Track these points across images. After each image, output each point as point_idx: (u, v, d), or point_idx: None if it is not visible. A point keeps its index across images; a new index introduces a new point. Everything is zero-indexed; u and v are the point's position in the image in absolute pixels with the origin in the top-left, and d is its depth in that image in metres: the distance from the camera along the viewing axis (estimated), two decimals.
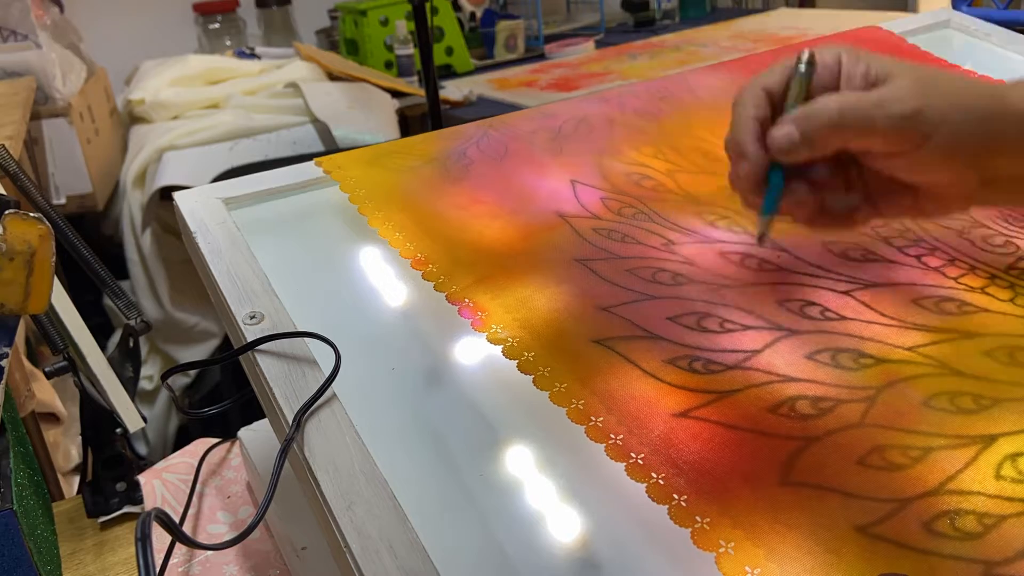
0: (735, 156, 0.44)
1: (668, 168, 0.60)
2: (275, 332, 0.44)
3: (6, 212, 0.44)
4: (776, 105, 0.44)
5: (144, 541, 0.26)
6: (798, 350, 0.44)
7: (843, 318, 0.46)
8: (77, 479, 1.15)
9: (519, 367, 0.43)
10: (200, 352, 1.74)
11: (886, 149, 0.42)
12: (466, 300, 0.48)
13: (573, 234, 0.53)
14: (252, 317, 0.46)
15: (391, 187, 0.57)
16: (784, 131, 0.42)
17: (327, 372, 0.42)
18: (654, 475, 0.37)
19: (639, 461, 0.38)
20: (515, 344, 0.45)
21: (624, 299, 0.47)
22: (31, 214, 0.44)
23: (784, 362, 0.43)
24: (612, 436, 0.39)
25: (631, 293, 0.48)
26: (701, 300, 0.47)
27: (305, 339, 0.44)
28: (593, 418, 0.40)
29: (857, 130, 0.42)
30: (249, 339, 0.44)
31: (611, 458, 0.38)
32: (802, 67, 0.44)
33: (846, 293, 0.48)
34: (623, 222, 0.54)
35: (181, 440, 1.74)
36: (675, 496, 0.36)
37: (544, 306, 0.47)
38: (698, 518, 0.35)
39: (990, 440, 0.40)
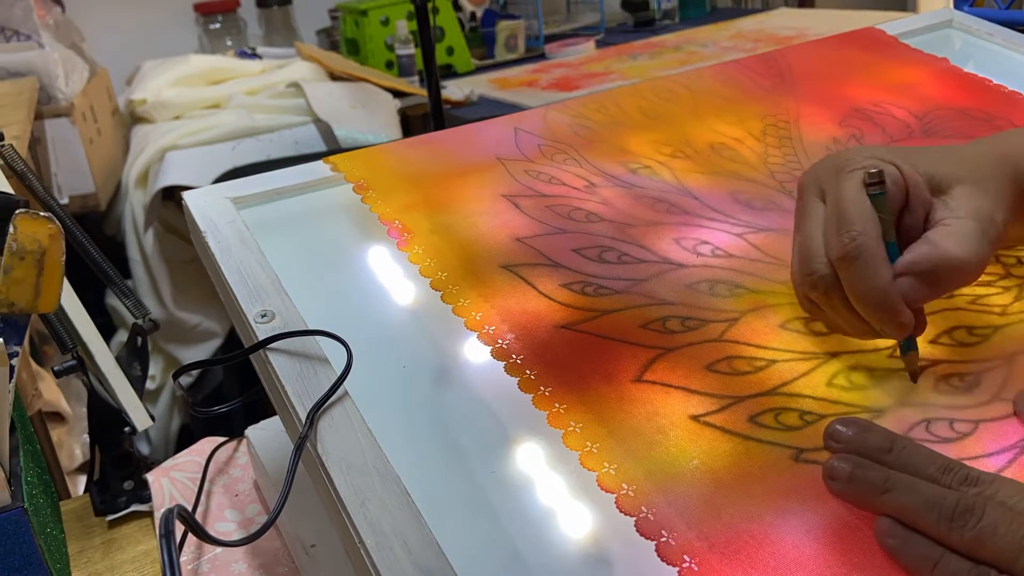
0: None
1: (607, 121, 0.65)
2: (286, 330, 0.44)
3: (17, 211, 0.44)
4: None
5: (168, 537, 0.26)
6: (681, 281, 0.49)
7: (730, 255, 0.51)
8: (81, 478, 1.15)
9: (432, 285, 0.49)
10: (202, 352, 1.74)
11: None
12: (396, 222, 0.53)
13: (506, 174, 0.58)
14: (263, 315, 0.46)
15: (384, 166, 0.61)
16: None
17: (339, 370, 0.42)
18: (528, 371, 0.43)
19: (518, 361, 0.44)
20: (432, 264, 0.50)
21: (538, 231, 0.52)
22: (41, 213, 0.44)
23: (666, 290, 0.48)
24: (500, 340, 0.45)
25: (545, 227, 0.53)
26: (607, 236, 0.52)
27: (316, 337, 0.44)
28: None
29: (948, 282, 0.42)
30: (260, 337, 0.44)
31: (494, 359, 0.44)
32: (875, 192, 0.42)
33: (739, 236, 0.53)
34: (553, 166, 0.59)
35: (183, 439, 1.74)
36: (541, 388, 0.42)
37: (464, 233, 0.52)
38: (556, 404, 0.41)
39: (831, 356, 0.44)
